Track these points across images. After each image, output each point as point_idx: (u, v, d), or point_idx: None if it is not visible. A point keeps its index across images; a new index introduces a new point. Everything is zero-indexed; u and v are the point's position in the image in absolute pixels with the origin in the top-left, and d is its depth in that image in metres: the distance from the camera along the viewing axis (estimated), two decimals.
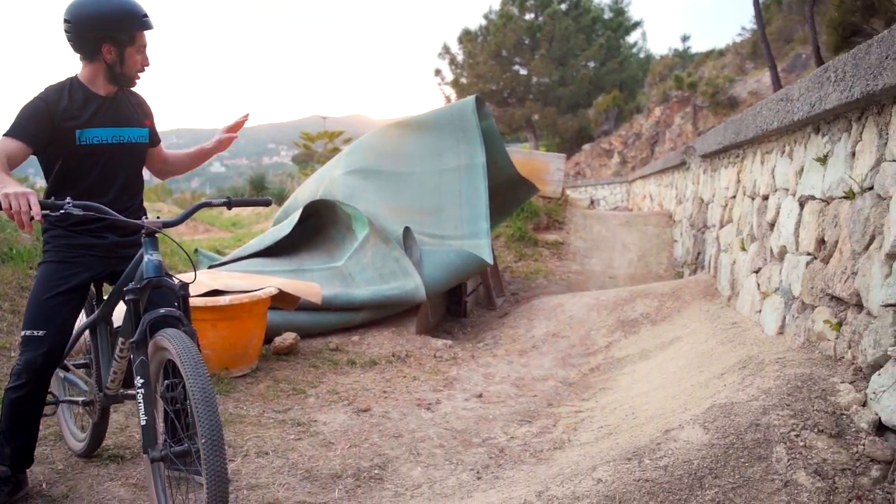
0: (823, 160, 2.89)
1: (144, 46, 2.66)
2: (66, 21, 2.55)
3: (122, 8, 2.55)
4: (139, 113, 2.82)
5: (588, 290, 7.18)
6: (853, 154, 2.58)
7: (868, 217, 2.38)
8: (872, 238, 2.35)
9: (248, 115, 3.11)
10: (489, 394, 4.03)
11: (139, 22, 2.59)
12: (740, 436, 2.24)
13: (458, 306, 6.65)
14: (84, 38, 2.56)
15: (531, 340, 5.37)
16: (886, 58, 2.05)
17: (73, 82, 2.64)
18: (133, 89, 2.81)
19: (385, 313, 5.33)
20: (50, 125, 2.54)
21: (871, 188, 2.40)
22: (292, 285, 4.57)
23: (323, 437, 3.29)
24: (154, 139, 2.92)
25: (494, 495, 2.49)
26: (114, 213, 2.44)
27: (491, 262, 5.91)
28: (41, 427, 2.82)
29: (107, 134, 2.67)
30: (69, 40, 2.58)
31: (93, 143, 2.64)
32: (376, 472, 2.92)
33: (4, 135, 2.49)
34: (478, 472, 2.88)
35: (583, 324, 5.46)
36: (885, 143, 2.30)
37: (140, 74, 2.71)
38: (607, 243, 8.86)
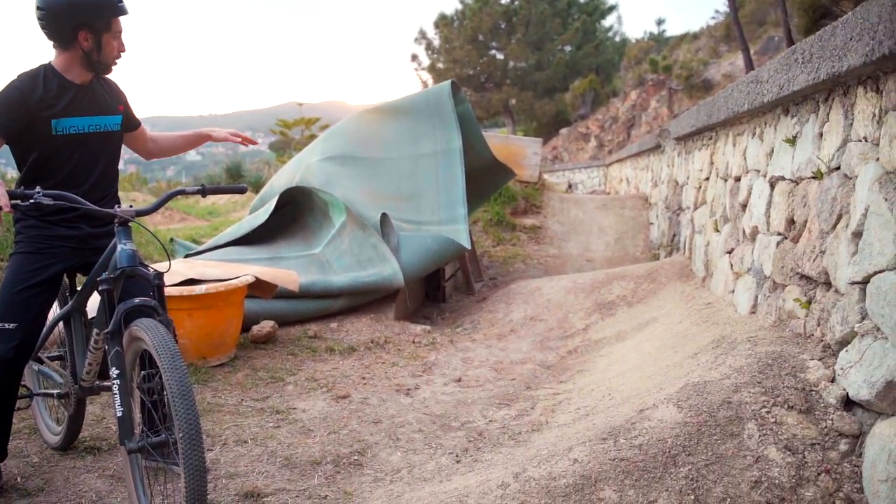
0: (792, 141, 2.93)
1: (120, 32, 2.63)
2: (39, 8, 2.49)
3: None
4: (113, 100, 2.78)
5: (566, 274, 7.23)
6: (821, 135, 2.62)
7: (835, 197, 2.42)
8: (839, 217, 2.40)
9: (257, 142, 3.15)
10: (468, 378, 4.05)
11: (115, 8, 2.55)
12: (713, 413, 2.28)
13: (437, 291, 6.67)
14: (59, 25, 2.51)
15: (509, 324, 5.41)
16: (850, 39, 2.08)
17: (46, 70, 2.59)
18: (107, 77, 2.77)
19: (363, 300, 5.33)
20: (25, 115, 2.50)
21: (837, 168, 2.45)
22: (269, 273, 4.55)
23: (302, 425, 3.30)
24: (131, 123, 2.89)
25: (473, 478, 2.52)
26: (85, 202, 2.42)
27: (469, 247, 5.92)
28: (15, 420, 2.79)
29: (83, 123, 2.64)
30: (43, 28, 2.53)
31: (69, 133, 2.60)
32: (356, 458, 2.94)
33: None
34: (457, 456, 2.91)
35: (560, 307, 5.50)
36: (851, 124, 2.34)
37: (117, 61, 2.68)
38: (584, 227, 8.92)
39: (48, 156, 2.60)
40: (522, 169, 9.25)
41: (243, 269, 4.52)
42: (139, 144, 3.01)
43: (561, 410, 3.30)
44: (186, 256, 5.55)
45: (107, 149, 2.75)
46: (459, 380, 4.02)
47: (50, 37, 2.56)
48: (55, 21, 2.50)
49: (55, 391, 2.91)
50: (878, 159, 2.12)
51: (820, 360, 2.42)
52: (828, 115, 2.57)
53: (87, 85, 2.66)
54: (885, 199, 2.01)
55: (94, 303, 2.60)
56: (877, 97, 2.14)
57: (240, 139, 3.13)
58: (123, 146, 2.92)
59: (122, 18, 2.61)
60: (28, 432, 3.18)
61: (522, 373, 4.15)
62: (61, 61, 2.60)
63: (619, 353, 4.03)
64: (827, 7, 8.35)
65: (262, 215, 5.84)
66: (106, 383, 2.69)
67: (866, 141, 2.22)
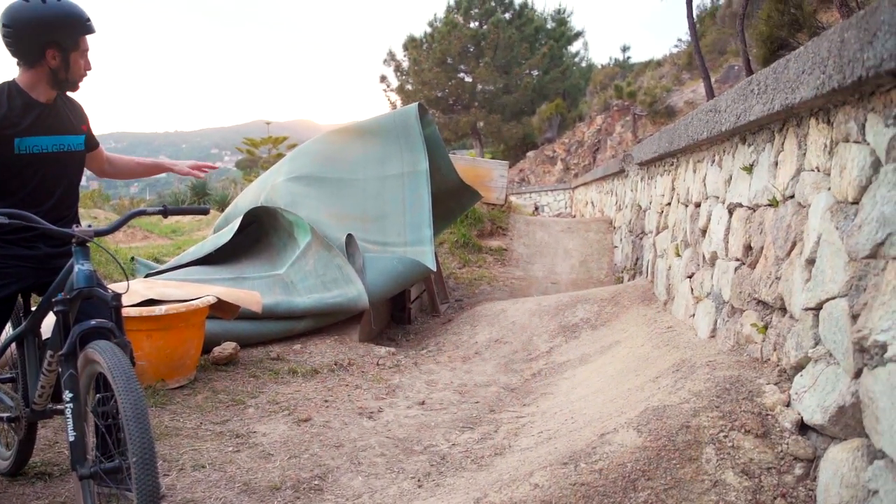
0: (749, 169, 3.01)
1: (87, 51, 2.61)
2: (4, 26, 2.45)
3: (67, 12, 2.49)
4: (77, 119, 2.75)
5: (531, 296, 7.27)
6: (776, 164, 2.69)
7: (790, 224, 2.49)
8: (794, 244, 2.46)
9: (217, 167, 3.13)
10: (432, 401, 4.04)
11: (84, 26, 2.54)
12: (672, 438, 2.30)
13: (402, 313, 6.65)
14: (27, 43, 2.48)
15: (474, 346, 5.41)
16: (803, 72, 2.15)
17: (11, 87, 2.55)
18: (70, 94, 2.74)
19: (327, 321, 5.29)
20: None
21: (792, 196, 2.51)
22: (232, 294, 4.49)
23: (262, 449, 3.24)
24: (91, 144, 2.85)
25: (434, 503, 2.50)
26: (43, 221, 2.37)
27: (434, 268, 5.93)
28: None
29: (47, 142, 2.60)
30: (8, 45, 2.50)
31: (32, 152, 2.56)
32: (316, 482, 2.89)
33: None
34: (419, 481, 2.89)
35: (525, 329, 5.52)
36: (804, 154, 2.41)
37: (83, 79, 2.66)
38: (550, 249, 8.99)
39: (9, 175, 2.55)
40: (489, 191, 9.31)
41: (205, 289, 4.46)
42: (95, 164, 2.99)
43: (524, 434, 3.30)
44: (147, 276, 5.45)
45: (69, 168, 2.71)
46: (423, 403, 4.00)
47: (15, 54, 2.52)
48: (23, 38, 2.47)
49: (5, 414, 2.83)
50: (829, 189, 2.18)
51: (776, 384, 2.46)
52: (783, 144, 2.64)
53: (51, 103, 2.62)
54: (837, 228, 2.07)
55: (48, 323, 2.54)
56: (828, 128, 2.21)
57: (202, 174, 3.13)
58: None
59: (89, 37, 2.59)
60: None
61: (486, 395, 4.15)
62: (26, 79, 2.56)
63: (583, 376, 4.05)
64: (784, 39, 8.64)
65: (226, 235, 5.78)
66: (59, 407, 2.62)
67: (818, 171, 2.29)
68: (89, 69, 2.65)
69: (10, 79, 2.59)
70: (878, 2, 1.70)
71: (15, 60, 2.55)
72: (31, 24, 2.45)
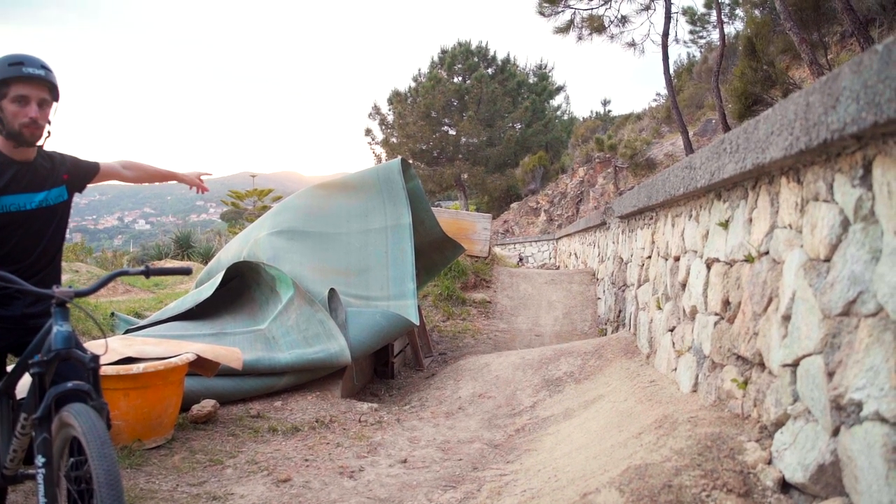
0: (725, 225, 3.06)
1: (26, 98, 2.51)
2: None
3: None
4: (56, 173, 2.74)
5: (515, 348, 7.24)
6: (750, 220, 2.74)
7: (765, 280, 2.52)
8: (770, 300, 2.48)
9: (208, 189, 3.26)
10: (414, 459, 3.97)
11: (4, 70, 2.47)
12: (654, 498, 2.27)
13: (385, 367, 6.59)
14: None
15: (458, 402, 5.35)
16: (772, 133, 2.21)
17: None
18: (49, 151, 2.74)
19: (309, 377, 5.23)
20: None
21: (766, 253, 2.55)
22: (211, 351, 4.44)
23: None
24: (85, 178, 2.89)
25: None
26: (22, 282, 2.34)
27: (417, 322, 5.91)
28: None
29: (23, 200, 2.60)
30: None
31: (10, 210, 2.55)
32: None
33: None
34: None
35: (509, 383, 5.49)
36: (777, 212, 2.46)
37: (28, 129, 2.53)
38: (533, 301, 9.00)
39: None
40: (472, 244, 9.37)
41: (185, 346, 4.41)
42: (111, 178, 3.08)
43: (507, 493, 3.24)
44: (127, 332, 5.39)
45: (50, 223, 2.71)
46: (405, 461, 3.93)
47: None
48: None
49: None
50: (802, 246, 2.22)
51: (757, 441, 2.45)
52: (756, 201, 2.69)
53: (28, 162, 2.62)
54: (810, 285, 2.10)
55: (24, 384, 2.49)
56: (798, 187, 2.26)
57: (200, 188, 3.30)
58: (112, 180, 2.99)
59: (33, 85, 2.51)
60: None
61: (470, 452, 4.09)
62: (1, 139, 2.57)
63: (566, 432, 4.01)
64: (758, 94, 8.90)
65: (208, 290, 5.75)
66: (30, 471, 2.55)
67: (791, 228, 2.33)
68: (34, 117, 2.52)
69: None
70: (840, 69, 1.76)
71: None
72: None
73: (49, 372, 2.31)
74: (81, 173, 2.87)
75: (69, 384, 2.23)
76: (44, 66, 2.55)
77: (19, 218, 2.59)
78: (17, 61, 2.49)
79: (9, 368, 2.67)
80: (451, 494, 3.37)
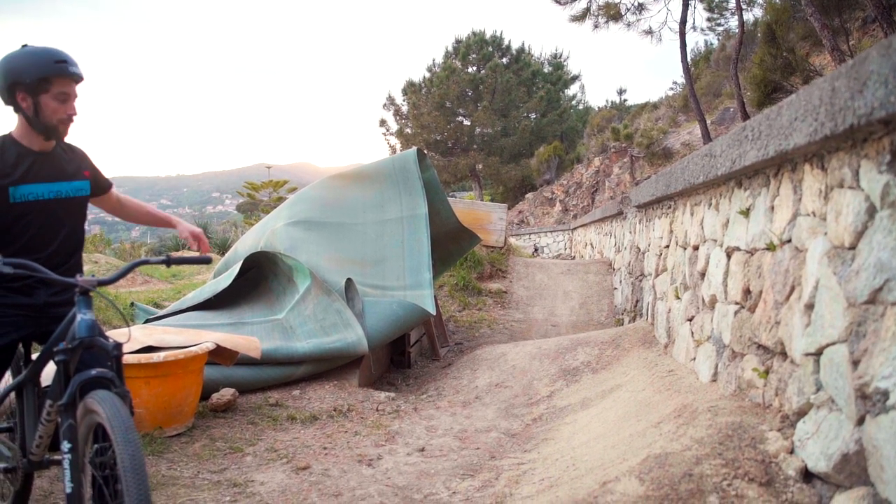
0: (746, 213, 3.03)
1: (67, 95, 2.57)
2: None
3: (33, 54, 2.50)
4: (77, 165, 2.76)
5: (531, 339, 7.23)
6: (772, 208, 2.71)
7: (787, 269, 2.49)
8: (792, 289, 2.46)
9: (210, 256, 3.08)
10: (432, 447, 3.99)
11: (49, 67, 2.50)
12: (674, 486, 2.27)
13: (402, 357, 6.61)
14: (1, 86, 2.51)
15: (474, 391, 5.36)
16: (795, 119, 2.18)
17: (5, 140, 2.59)
18: (71, 143, 2.76)
19: (327, 366, 5.25)
20: None
21: (789, 241, 2.52)
22: (230, 340, 4.47)
23: (259, 498, 3.19)
24: (100, 187, 2.90)
25: None
26: (47, 270, 2.37)
27: (434, 312, 5.92)
28: None
29: (42, 189, 2.62)
30: None
31: (28, 200, 2.58)
32: None
33: None
34: None
35: (525, 373, 5.49)
36: (800, 199, 2.43)
37: (66, 125, 2.61)
38: (549, 291, 8.98)
39: (7, 223, 2.57)
40: (488, 234, 9.35)
41: (204, 335, 4.44)
42: (107, 204, 3.04)
43: (525, 481, 3.25)
44: (147, 322, 5.44)
45: (69, 215, 2.73)
46: (423, 449, 3.95)
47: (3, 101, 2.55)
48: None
49: (2, 465, 2.79)
50: (826, 234, 2.19)
51: (779, 430, 2.43)
52: (778, 189, 2.66)
53: (46, 152, 2.65)
54: (834, 273, 2.08)
55: (48, 372, 2.52)
56: (822, 174, 2.24)
57: (194, 245, 3.09)
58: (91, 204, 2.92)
59: (77, 83, 2.58)
60: None
61: (487, 441, 4.10)
62: (19, 129, 2.60)
63: (584, 422, 4.01)
64: (777, 82, 8.79)
65: (226, 280, 5.79)
66: (56, 457, 2.58)
67: (814, 216, 2.30)
68: (72, 114, 2.60)
69: (6, 132, 2.63)
70: (866, 52, 1.73)
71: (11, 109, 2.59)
72: (2, 69, 2.48)
73: (73, 360, 2.34)
74: (99, 180, 2.91)
75: (93, 371, 2.25)
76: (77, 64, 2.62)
77: (37, 207, 2.61)
78: (62, 59, 2.53)
79: (34, 356, 2.70)
80: (470, 483, 3.38)
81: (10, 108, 2.57)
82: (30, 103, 2.53)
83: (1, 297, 2.57)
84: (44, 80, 2.51)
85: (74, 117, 2.63)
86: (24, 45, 2.55)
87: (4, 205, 2.53)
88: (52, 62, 2.51)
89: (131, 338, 3.95)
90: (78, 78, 2.59)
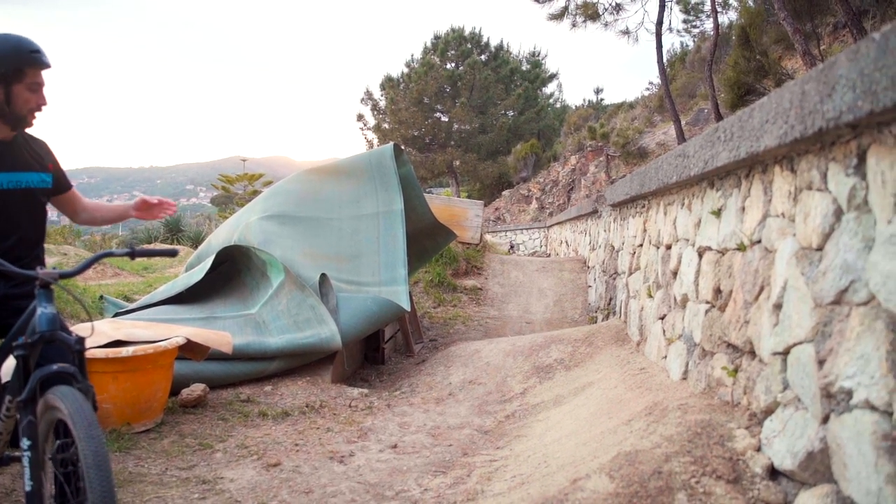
0: (718, 213, 3.06)
1: (39, 85, 2.56)
2: None
3: (8, 43, 2.47)
4: (40, 157, 2.70)
5: (506, 335, 7.26)
6: (743, 209, 2.74)
7: (757, 269, 2.52)
8: (762, 289, 2.49)
9: (174, 206, 3.04)
10: (404, 444, 3.98)
11: (25, 57, 2.49)
12: (644, 484, 2.29)
13: (376, 353, 6.59)
14: None
15: (448, 388, 5.36)
16: (766, 122, 2.20)
17: None
18: (34, 134, 2.70)
19: (300, 362, 5.22)
20: None
21: (759, 241, 2.55)
22: (201, 335, 4.42)
23: (229, 496, 3.16)
24: (61, 185, 2.81)
25: None
26: (5, 263, 2.32)
27: (408, 308, 5.91)
28: None
29: (2, 179, 2.56)
30: None
31: None
32: None
33: None
34: None
35: (499, 370, 5.50)
36: (770, 200, 2.46)
37: (35, 114, 2.59)
38: (524, 288, 9.01)
39: None
40: (464, 231, 9.36)
41: (175, 329, 4.39)
42: (67, 208, 2.93)
43: (497, 478, 3.25)
44: (116, 315, 5.36)
45: (29, 207, 2.66)
46: (395, 446, 3.94)
47: None
48: None
49: None
50: (794, 235, 2.22)
51: (746, 428, 2.46)
52: (749, 190, 2.69)
53: (8, 141, 2.59)
54: (802, 274, 2.10)
55: (8, 367, 2.47)
56: (792, 176, 2.26)
57: (158, 208, 3.03)
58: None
59: (43, 72, 2.56)
60: None
61: (460, 438, 4.10)
62: None
63: (556, 419, 4.03)
64: (751, 84, 8.90)
65: (198, 273, 5.72)
66: (16, 453, 2.53)
67: (784, 217, 2.33)
68: (43, 104, 2.59)
69: None
70: (836, 56, 1.76)
71: None
72: None
73: (33, 354, 2.29)
74: (61, 177, 2.83)
75: (54, 367, 2.20)
76: None
77: None
78: (36, 49, 2.51)
79: None
80: (442, 479, 3.37)
81: None
82: (1, 93, 2.48)
83: None
84: (18, 70, 2.47)
85: (44, 107, 2.60)
86: None
87: None
88: (27, 52, 2.49)
89: (99, 332, 3.88)
90: (47, 67, 2.56)
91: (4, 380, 2.57)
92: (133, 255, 2.50)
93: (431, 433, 4.21)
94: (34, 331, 2.25)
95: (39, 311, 2.26)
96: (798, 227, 2.19)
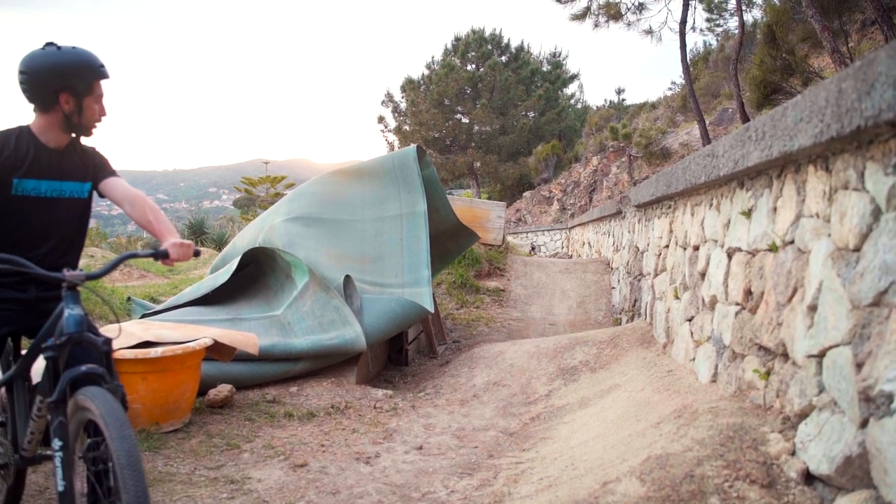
0: (748, 214, 3.02)
1: (102, 96, 2.66)
2: (21, 73, 2.53)
3: (80, 58, 2.56)
4: (86, 168, 2.74)
5: (529, 337, 7.23)
6: (775, 209, 2.70)
7: (790, 270, 2.48)
8: (795, 290, 2.45)
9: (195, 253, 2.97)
10: (429, 445, 3.98)
11: (97, 71, 2.60)
12: (676, 488, 2.26)
13: (400, 355, 6.60)
14: (41, 88, 2.54)
15: (472, 389, 5.35)
16: (801, 121, 2.17)
17: (22, 131, 2.60)
18: (86, 144, 2.76)
19: (324, 363, 5.24)
20: None
21: (792, 242, 2.51)
22: (228, 336, 4.45)
23: (257, 496, 3.18)
24: (104, 174, 2.79)
25: None
26: (32, 265, 2.34)
27: (432, 310, 5.90)
28: None
29: (45, 186, 2.61)
30: (24, 91, 2.56)
31: (28, 195, 2.57)
32: None
33: None
34: None
35: (523, 372, 5.48)
36: (804, 200, 2.42)
37: (97, 124, 2.70)
38: (547, 290, 8.98)
39: (5, 216, 2.55)
40: (486, 232, 9.34)
41: (202, 330, 4.42)
42: (115, 197, 2.89)
43: (524, 481, 3.24)
44: (143, 316, 5.42)
45: (67, 216, 2.70)
46: (421, 447, 3.94)
47: (31, 99, 2.58)
48: (38, 84, 2.53)
49: None
50: (829, 235, 2.18)
51: (780, 432, 2.43)
52: (781, 190, 2.65)
53: (60, 150, 2.64)
54: (838, 275, 2.07)
55: (38, 368, 2.50)
56: (827, 176, 2.23)
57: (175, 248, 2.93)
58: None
59: (103, 82, 2.65)
60: None
61: (485, 440, 4.09)
62: (39, 124, 2.61)
63: (582, 421, 4.00)
64: (777, 83, 8.78)
65: (223, 275, 5.77)
66: (49, 452, 2.56)
67: (818, 217, 2.29)
68: (104, 115, 2.70)
69: (24, 124, 2.63)
70: (875, 53, 1.72)
71: (32, 106, 2.61)
72: (45, 70, 2.51)
73: (62, 355, 2.31)
74: (101, 172, 2.85)
75: (83, 368, 2.22)
76: None
77: (36, 203, 2.59)
78: (101, 63, 2.63)
79: (24, 352, 2.68)
80: (468, 481, 3.36)
81: (34, 104, 2.58)
82: (73, 105, 2.58)
83: None
84: (89, 84, 2.59)
85: (104, 118, 2.72)
86: (50, 44, 2.57)
87: (5, 196, 2.52)
88: (97, 67, 2.60)
89: (128, 333, 3.93)
90: (108, 78, 2.68)
91: (35, 381, 2.60)
92: (157, 256, 2.52)
93: (456, 435, 4.20)
94: (62, 332, 2.27)
95: (67, 312, 2.28)
96: (833, 228, 2.15)
